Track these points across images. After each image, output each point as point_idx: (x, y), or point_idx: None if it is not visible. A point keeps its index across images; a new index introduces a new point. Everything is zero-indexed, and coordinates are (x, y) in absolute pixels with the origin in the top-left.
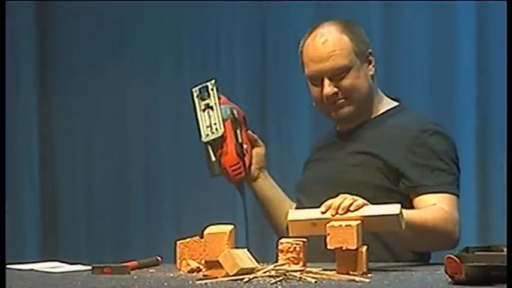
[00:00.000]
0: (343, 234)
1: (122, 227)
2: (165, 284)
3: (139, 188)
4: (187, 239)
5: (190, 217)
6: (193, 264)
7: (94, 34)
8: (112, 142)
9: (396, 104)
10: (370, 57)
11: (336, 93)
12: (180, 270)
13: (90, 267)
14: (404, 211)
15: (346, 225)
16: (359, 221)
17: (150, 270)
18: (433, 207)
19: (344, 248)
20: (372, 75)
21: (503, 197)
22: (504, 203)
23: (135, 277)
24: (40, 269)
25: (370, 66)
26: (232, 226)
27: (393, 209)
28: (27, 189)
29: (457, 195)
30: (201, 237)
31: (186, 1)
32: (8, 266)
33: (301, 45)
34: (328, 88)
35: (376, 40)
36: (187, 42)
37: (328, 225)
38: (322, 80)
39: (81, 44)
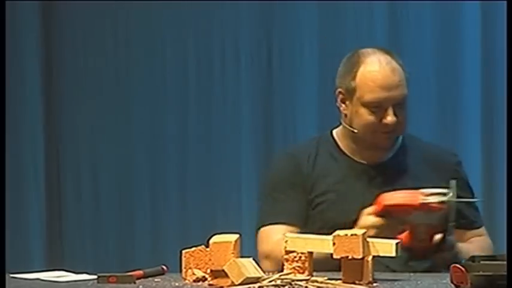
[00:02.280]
0: (349, 244)
1: (128, 236)
2: None
3: (145, 197)
4: (193, 248)
5: (196, 226)
6: (199, 274)
7: (100, 39)
8: (118, 149)
9: None
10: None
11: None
12: (185, 279)
13: (95, 277)
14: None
15: (351, 235)
16: (364, 230)
17: (156, 280)
18: (482, 239)
19: (350, 257)
20: None
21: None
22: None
23: (141, 286)
24: (46, 278)
25: None
26: (237, 235)
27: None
28: (33, 198)
29: None
30: (207, 247)
31: (192, 1)
32: (13, 275)
33: (352, 72)
34: (393, 117)
35: (380, 40)
36: (192, 44)
37: (333, 234)
38: (384, 108)
39: (86, 49)
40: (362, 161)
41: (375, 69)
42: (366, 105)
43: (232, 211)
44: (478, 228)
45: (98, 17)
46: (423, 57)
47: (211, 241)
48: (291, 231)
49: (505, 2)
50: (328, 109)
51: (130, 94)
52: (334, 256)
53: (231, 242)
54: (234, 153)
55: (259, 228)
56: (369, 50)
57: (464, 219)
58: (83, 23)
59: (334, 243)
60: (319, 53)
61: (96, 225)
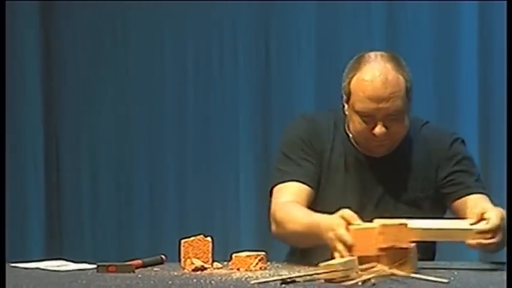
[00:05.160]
0: (397, 233)
1: (127, 226)
2: (170, 282)
3: (144, 187)
4: (192, 238)
5: (194, 216)
6: (198, 263)
7: (99, 39)
8: (117, 142)
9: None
10: (411, 95)
11: (385, 134)
12: (184, 268)
13: (95, 266)
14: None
15: (400, 224)
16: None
17: (155, 269)
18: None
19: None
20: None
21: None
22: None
23: (140, 276)
24: (46, 268)
25: (410, 103)
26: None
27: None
28: (32, 188)
29: None
30: (205, 236)
31: (190, 1)
32: (13, 265)
33: (349, 76)
34: (382, 129)
35: (378, 39)
36: (191, 42)
37: (380, 224)
38: (374, 119)
39: (85, 48)
40: (367, 153)
41: (367, 79)
42: (357, 113)
43: (230, 202)
44: (478, 194)
45: (97, 17)
46: (421, 57)
47: (351, 227)
48: (303, 191)
49: (503, 2)
50: (325, 107)
51: (129, 91)
52: (382, 246)
53: (374, 229)
54: (232, 149)
55: (272, 188)
56: (372, 55)
57: (459, 185)
58: (82, 23)
59: (382, 233)
60: (317, 52)
61: (95, 215)
